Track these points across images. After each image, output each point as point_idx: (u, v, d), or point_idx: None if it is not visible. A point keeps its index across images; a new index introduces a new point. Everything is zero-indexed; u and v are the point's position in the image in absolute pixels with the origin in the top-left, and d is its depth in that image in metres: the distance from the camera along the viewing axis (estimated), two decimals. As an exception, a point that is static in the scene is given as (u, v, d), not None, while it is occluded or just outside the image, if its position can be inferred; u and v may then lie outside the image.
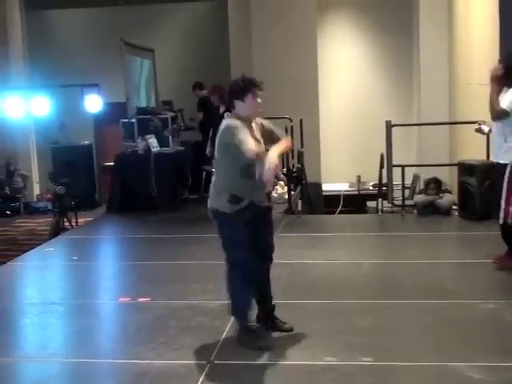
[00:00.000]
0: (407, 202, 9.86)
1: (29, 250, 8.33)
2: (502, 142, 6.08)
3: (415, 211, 9.38)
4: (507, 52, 7.33)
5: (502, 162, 6.10)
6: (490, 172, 7.25)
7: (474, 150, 9.87)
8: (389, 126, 9.47)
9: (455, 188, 9.34)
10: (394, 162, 9.49)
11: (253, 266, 4.53)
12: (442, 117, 12.07)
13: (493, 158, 6.44)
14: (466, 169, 8.94)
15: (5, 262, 7.67)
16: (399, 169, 9.53)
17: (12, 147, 15.48)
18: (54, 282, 6.98)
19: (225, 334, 4.82)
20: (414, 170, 12.08)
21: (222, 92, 9.13)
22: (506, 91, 6.03)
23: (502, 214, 6.11)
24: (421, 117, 13.01)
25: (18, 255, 8.14)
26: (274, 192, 10.66)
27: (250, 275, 4.51)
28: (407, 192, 11.05)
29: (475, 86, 10.72)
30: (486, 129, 6.75)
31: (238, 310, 4.62)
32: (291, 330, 4.83)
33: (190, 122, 12.12)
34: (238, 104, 4.61)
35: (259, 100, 4.64)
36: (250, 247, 4.53)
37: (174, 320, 5.22)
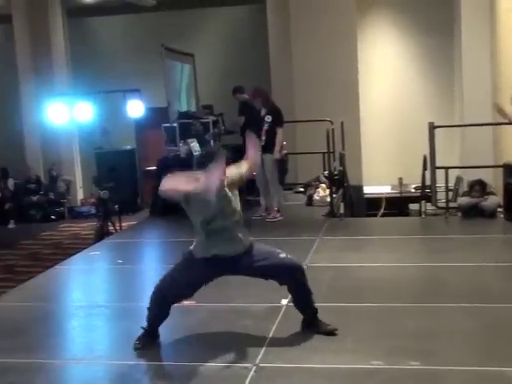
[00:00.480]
0: (451, 205, 9.75)
1: (74, 254, 8.44)
2: None
3: (459, 214, 9.27)
4: None
5: None
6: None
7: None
8: (431, 127, 9.38)
9: (500, 190, 9.21)
10: (437, 164, 9.40)
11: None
12: (484, 118, 11.90)
13: None
14: (511, 170, 8.80)
15: (51, 266, 7.79)
16: (442, 171, 9.43)
17: (56, 153, 15.78)
18: (100, 285, 7.07)
19: (270, 336, 4.82)
20: (456, 172, 11.94)
21: (264, 95, 9.15)
22: None
23: None
24: (464, 118, 12.86)
25: (64, 259, 8.25)
26: (315, 195, 10.65)
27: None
28: (450, 194, 10.93)
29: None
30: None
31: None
32: (335, 331, 4.82)
33: (232, 125, 12.17)
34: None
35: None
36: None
37: (219, 323, 5.24)
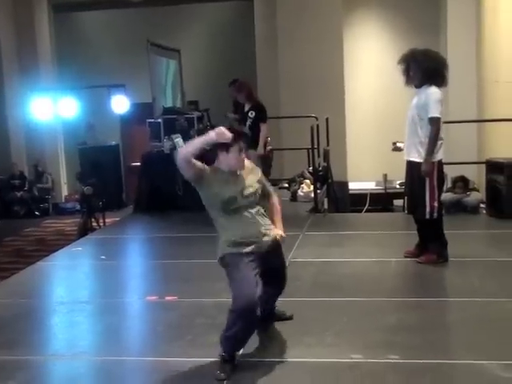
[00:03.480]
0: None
1: (57, 250, 8.42)
2: None
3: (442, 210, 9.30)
4: None
5: None
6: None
7: (502, 148, 9.80)
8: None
9: (483, 186, 9.27)
10: (421, 160, 9.41)
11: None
12: (469, 115, 11.99)
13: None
14: (494, 167, 8.87)
15: (34, 262, 7.77)
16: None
17: (41, 149, 15.69)
18: (83, 281, 7.05)
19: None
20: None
21: (247, 90, 9.12)
22: None
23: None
24: (448, 115, 12.92)
25: (47, 255, 8.23)
26: (300, 190, 10.67)
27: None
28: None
29: (503, 83, 10.65)
30: (401, 145, 6.79)
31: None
32: (291, 318, 4.96)
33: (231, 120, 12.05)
34: (222, 155, 4.33)
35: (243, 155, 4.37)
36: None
37: (201, 318, 5.25)
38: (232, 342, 4.23)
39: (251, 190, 4.37)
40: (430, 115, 6.26)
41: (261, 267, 4.33)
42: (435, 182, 6.38)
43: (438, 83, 6.39)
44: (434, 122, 6.26)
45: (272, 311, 4.87)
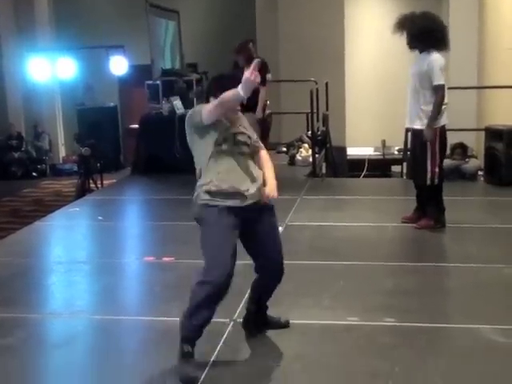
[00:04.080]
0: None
1: (55, 211, 8.42)
2: None
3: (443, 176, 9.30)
4: None
5: None
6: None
7: (501, 115, 9.76)
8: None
9: (481, 153, 9.26)
10: (420, 126, 9.39)
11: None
12: (470, 81, 11.91)
13: None
14: (493, 134, 8.85)
15: (31, 222, 7.77)
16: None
17: (38, 110, 15.59)
18: (80, 241, 7.06)
19: (247, 293, 4.84)
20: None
21: (247, 52, 9.03)
22: None
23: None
24: (448, 81, 12.84)
25: (44, 215, 8.23)
26: (298, 155, 10.65)
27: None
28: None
29: (505, 50, 10.58)
30: None
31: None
32: (288, 324, 4.27)
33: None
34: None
35: None
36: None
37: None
38: (199, 322, 3.63)
39: (246, 137, 3.85)
40: (434, 83, 6.24)
41: (245, 236, 3.81)
42: (437, 148, 6.38)
43: (439, 47, 6.36)
44: (439, 90, 6.25)
45: (265, 314, 4.21)
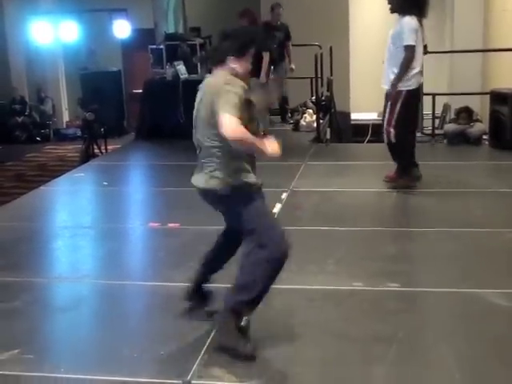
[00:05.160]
0: (437, 132, 9.76)
1: (59, 176, 8.43)
2: None
3: (445, 140, 9.29)
4: None
5: None
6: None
7: (507, 79, 9.69)
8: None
9: (486, 117, 9.21)
10: (425, 91, 9.33)
11: None
12: (475, 44, 11.77)
13: None
14: (498, 97, 8.80)
15: (36, 187, 7.79)
16: (430, 98, 9.40)
17: (41, 73, 15.51)
18: (85, 206, 7.08)
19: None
20: (444, 99, 11.89)
21: (250, 17, 8.97)
22: None
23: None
24: (453, 44, 12.73)
25: (49, 180, 8.25)
26: (302, 120, 10.61)
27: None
28: (437, 122, 10.92)
29: (510, 12, 10.47)
30: None
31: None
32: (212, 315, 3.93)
33: None
34: (237, 60, 3.67)
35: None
36: None
37: (203, 245, 5.24)
38: (257, 299, 3.52)
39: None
40: (403, 43, 6.42)
41: None
42: (397, 109, 6.50)
43: (413, 11, 6.49)
44: (407, 50, 6.42)
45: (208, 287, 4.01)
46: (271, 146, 3.49)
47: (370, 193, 6.87)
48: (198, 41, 11.18)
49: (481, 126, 9.15)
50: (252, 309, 3.57)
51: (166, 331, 3.85)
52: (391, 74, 6.52)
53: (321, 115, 10.12)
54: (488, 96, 9.19)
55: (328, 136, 10.14)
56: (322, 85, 10.77)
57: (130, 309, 4.40)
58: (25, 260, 5.19)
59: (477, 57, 12.06)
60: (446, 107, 11.95)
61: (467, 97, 9.96)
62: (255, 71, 9.04)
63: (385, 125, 6.63)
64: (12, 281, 4.71)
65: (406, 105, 6.52)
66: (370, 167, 8.25)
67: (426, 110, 9.58)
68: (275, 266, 3.49)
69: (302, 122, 10.61)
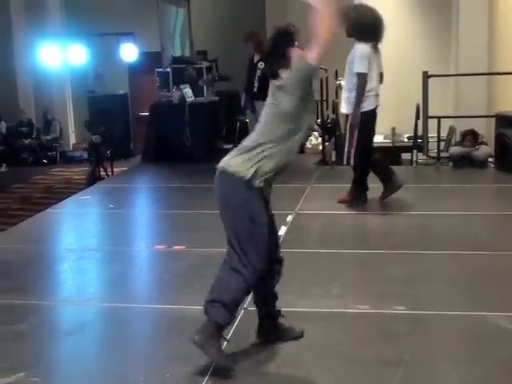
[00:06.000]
0: (443, 154, 9.77)
1: (66, 198, 8.46)
2: None
3: (450, 163, 9.30)
4: None
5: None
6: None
7: (512, 102, 9.71)
8: (425, 76, 9.35)
9: (492, 140, 9.23)
10: (430, 114, 9.38)
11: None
12: (480, 67, 11.80)
13: None
14: (503, 120, 8.82)
15: (42, 210, 7.81)
16: (435, 121, 9.43)
17: (48, 96, 15.59)
18: (91, 229, 7.10)
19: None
20: (450, 122, 11.91)
21: (256, 40, 9.01)
22: None
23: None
24: (458, 67, 12.77)
25: (55, 203, 8.28)
26: (308, 143, 10.65)
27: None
28: (443, 144, 10.93)
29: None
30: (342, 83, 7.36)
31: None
32: (302, 334, 4.00)
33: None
34: None
35: None
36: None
37: (209, 267, 5.24)
38: (234, 307, 3.63)
39: None
40: (354, 70, 6.63)
41: None
42: (356, 131, 6.68)
43: (367, 38, 6.65)
44: (359, 77, 6.60)
45: (274, 320, 3.96)
46: None
47: (376, 215, 6.87)
48: (204, 64, 11.27)
49: (486, 149, 9.16)
50: (227, 318, 3.62)
51: (172, 354, 3.85)
52: (346, 98, 6.76)
53: (326, 138, 10.15)
54: (493, 119, 9.22)
55: (333, 158, 10.16)
56: (327, 107, 10.81)
57: (136, 331, 4.39)
58: (31, 283, 5.20)
59: (482, 80, 12.08)
60: (452, 130, 11.97)
61: (473, 119, 9.98)
62: (262, 94, 9.08)
63: (346, 147, 6.83)
64: (19, 303, 4.72)
65: (362, 126, 6.69)
66: (375, 190, 8.22)
67: (432, 132, 9.59)
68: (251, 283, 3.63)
69: (308, 145, 10.64)
